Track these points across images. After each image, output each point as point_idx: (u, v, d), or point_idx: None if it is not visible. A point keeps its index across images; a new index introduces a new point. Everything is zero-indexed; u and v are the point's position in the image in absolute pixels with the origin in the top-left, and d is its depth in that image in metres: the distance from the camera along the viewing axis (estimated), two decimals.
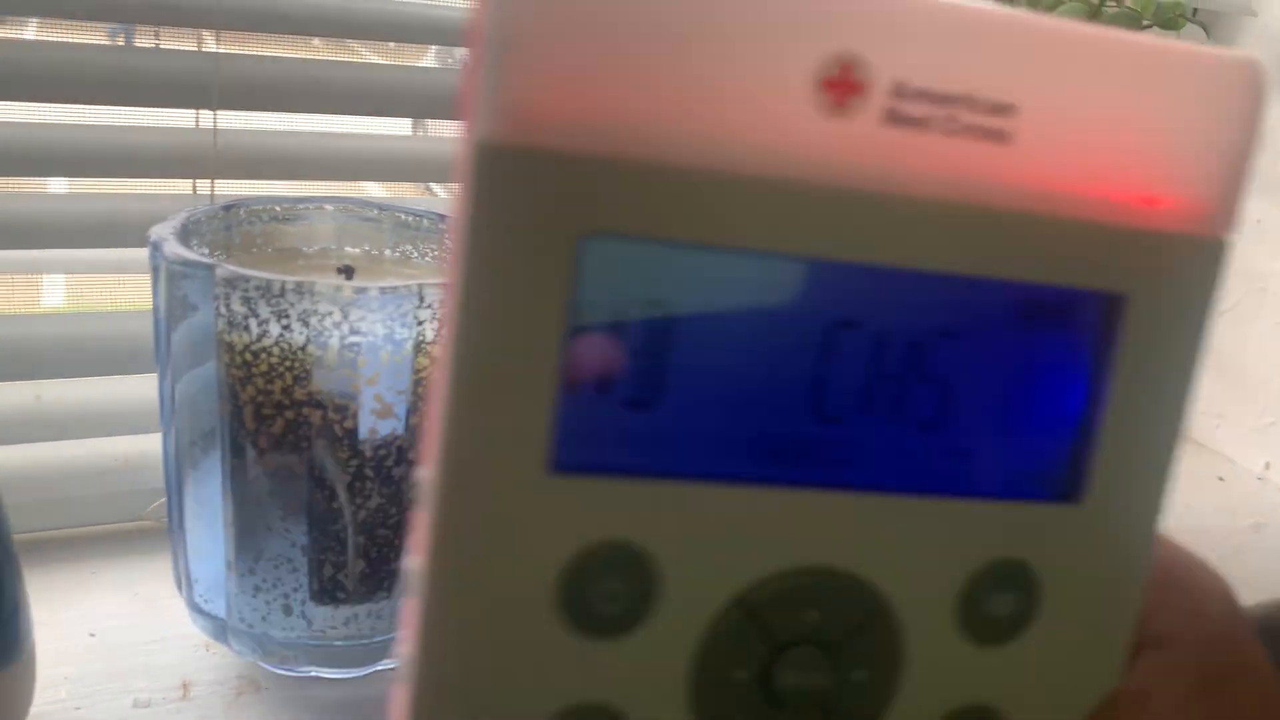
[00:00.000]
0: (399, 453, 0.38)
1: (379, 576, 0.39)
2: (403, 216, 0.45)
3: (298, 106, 0.47)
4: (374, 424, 0.37)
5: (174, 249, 0.36)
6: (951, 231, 0.17)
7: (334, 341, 0.35)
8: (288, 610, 0.39)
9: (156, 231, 0.38)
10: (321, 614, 0.39)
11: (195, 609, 0.41)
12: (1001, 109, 0.16)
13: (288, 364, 0.36)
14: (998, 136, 0.16)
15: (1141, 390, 0.18)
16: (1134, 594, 0.19)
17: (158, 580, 0.46)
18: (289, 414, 0.36)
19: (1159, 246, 0.18)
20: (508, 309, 0.15)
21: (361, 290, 0.35)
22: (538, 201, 0.15)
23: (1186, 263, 0.18)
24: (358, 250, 0.45)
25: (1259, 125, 0.18)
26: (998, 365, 0.18)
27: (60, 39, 0.45)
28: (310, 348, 0.35)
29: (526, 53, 0.15)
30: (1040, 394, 0.18)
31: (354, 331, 0.35)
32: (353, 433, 0.37)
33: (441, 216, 0.44)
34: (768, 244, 0.16)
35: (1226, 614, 0.21)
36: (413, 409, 0.37)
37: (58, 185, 0.47)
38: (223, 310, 0.35)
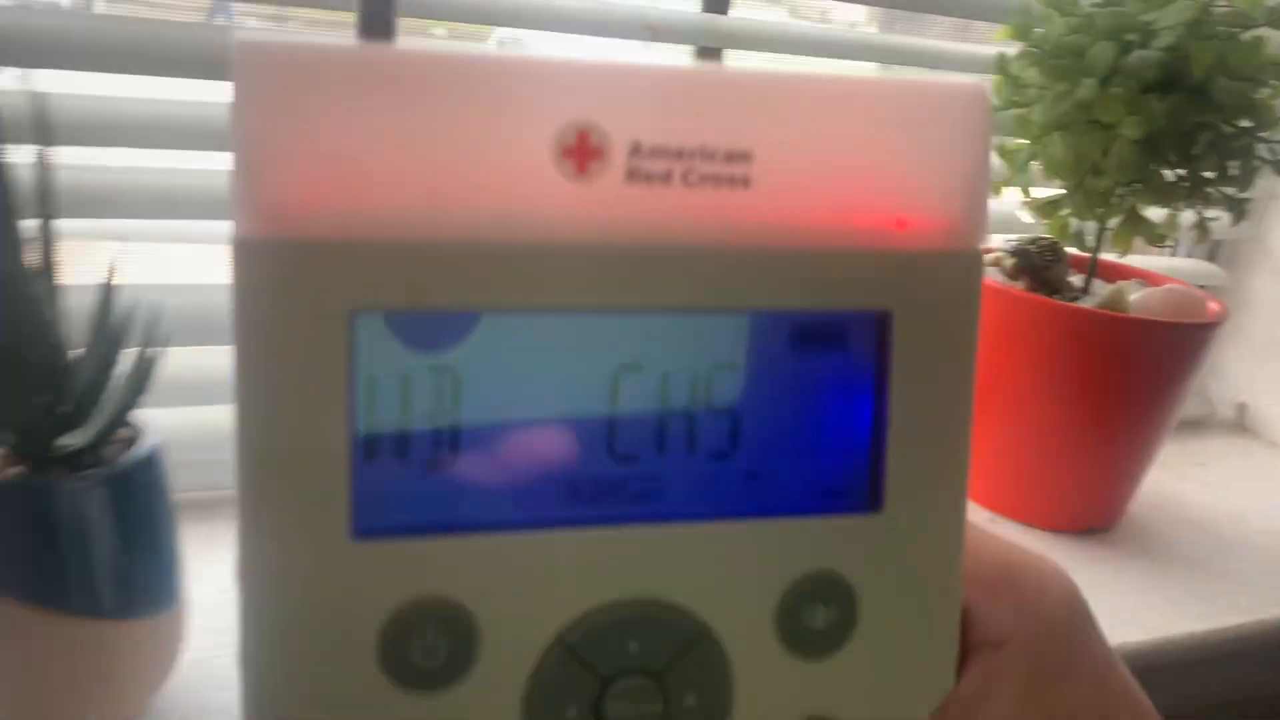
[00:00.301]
0: None
1: None
2: None
3: None
4: None
5: None
6: (711, 272, 0.18)
7: None
8: None
9: None
10: None
11: None
12: (737, 156, 0.18)
13: None
14: (738, 182, 0.18)
15: (922, 400, 0.19)
16: (951, 597, 0.20)
17: None
18: None
19: (913, 264, 0.19)
20: (292, 391, 0.16)
21: None
22: (306, 288, 0.16)
23: (942, 276, 0.19)
24: None
25: (989, 143, 0.19)
26: (781, 391, 0.19)
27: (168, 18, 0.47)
28: None
29: (274, 153, 0.16)
30: (827, 413, 0.19)
31: None
32: None
33: None
34: (536, 303, 0.17)
35: (1061, 610, 0.22)
36: None
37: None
38: None
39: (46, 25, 0.44)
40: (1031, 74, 0.54)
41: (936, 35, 0.67)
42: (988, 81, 0.19)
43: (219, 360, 0.52)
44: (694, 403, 0.19)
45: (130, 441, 0.35)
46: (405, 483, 0.17)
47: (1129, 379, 0.57)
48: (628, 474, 0.18)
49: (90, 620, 0.33)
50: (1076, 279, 0.61)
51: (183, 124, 0.47)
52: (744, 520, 0.19)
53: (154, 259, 0.57)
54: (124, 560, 0.33)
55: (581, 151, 0.17)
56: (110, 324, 0.35)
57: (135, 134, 0.47)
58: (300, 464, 0.16)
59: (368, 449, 0.17)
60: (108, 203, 0.46)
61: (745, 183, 0.18)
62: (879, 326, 0.19)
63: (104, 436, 0.34)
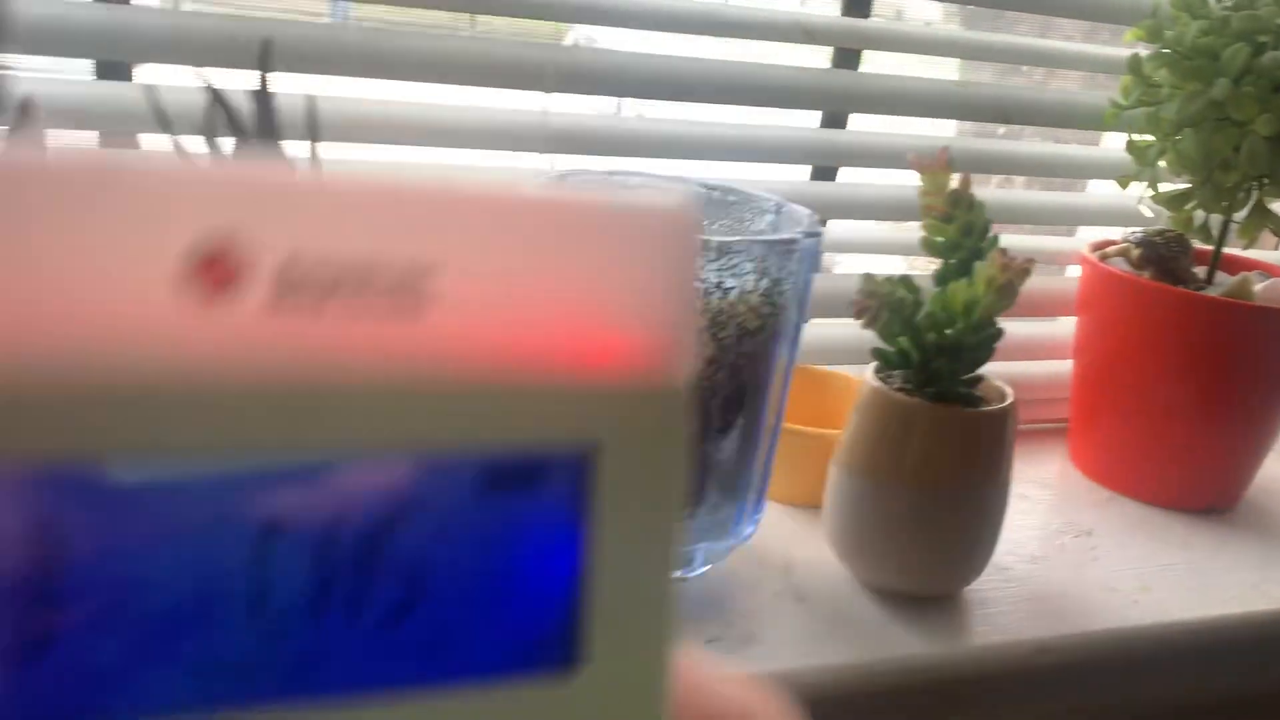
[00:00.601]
0: (712, 388, 0.44)
1: (688, 495, 0.45)
2: (700, 189, 0.51)
3: (624, 92, 0.54)
4: (699, 361, 0.43)
5: None
6: (375, 410, 0.16)
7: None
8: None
9: None
10: None
11: None
12: (410, 276, 0.16)
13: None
14: (409, 308, 0.15)
15: (623, 545, 0.17)
16: None
17: None
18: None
19: (613, 398, 0.17)
20: None
21: (703, 243, 0.41)
22: None
23: (645, 409, 0.17)
24: None
25: (694, 270, 0.18)
26: (468, 544, 0.17)
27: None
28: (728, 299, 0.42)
29: None
30: (517, 565, 0.17)
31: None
32: None
33: (732, 190, 0.50)
34: (155, 453, 0.15)
35: None
36: (727, 350, 0.43)
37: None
38: None
39: (321, 36, 0.50)
40: (1163, 74, 0.57)
41: (1022, 32, 0.70)
42: (690, 206, 0.17)
43: None
44: (360, 561, 0.16)
45: None
46: None
47: (1251, 365, 0.59)
48: (278, 649, 0.16)
49: None
50: (1200, 271, 0.64)
51: (429, 122, 0.53)
52: (420, 692, 0.17)
53: None
54: None
55: (215, 270, 0.14)
56: None
57: (385, 132, 0.53)
58: None
59: None
60: None
61: (418, 308, 0.16)
62: (575, 466, 0.17)
63: None
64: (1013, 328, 0.73)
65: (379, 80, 0.51)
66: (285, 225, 0.14)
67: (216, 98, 0.35)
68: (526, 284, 0.16)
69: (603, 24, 0.55)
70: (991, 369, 0.50)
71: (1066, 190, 0.82)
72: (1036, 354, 0.73)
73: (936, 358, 0.47)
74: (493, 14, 0.55)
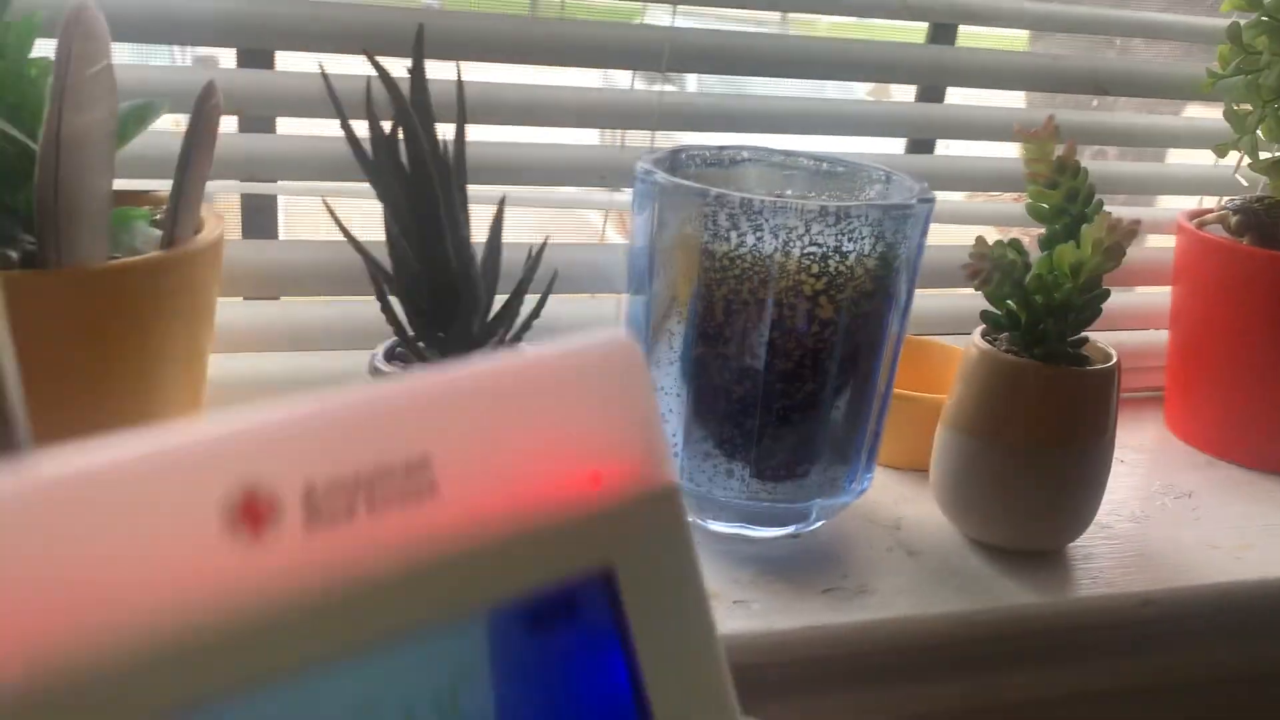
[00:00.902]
0: (829, 348, 0.46)
1: (803, 452, 0.48)
2: (804, 161, 0.53)
3: (736, 70, 0.57)
4: (815, 323, 0.45)
5: (667, 177, 0.46)
6: (417, 590, 0.17)
7: (796, 251, 0.44)
8: (729, 474, 0.48)
9: (641, 165, 0.48)
10: (754, 482, 0.48)
11: None
12: (416, 466, 0.17)
13: (757, 268, 0.44)
14: (423, 492, 0.17)
15: (669, 643, 0.19)
16: None
17: None
18: (750, 310, 0.45)
19: (619, 513, 0.19)
20: None
21: (823, 207, 0.44)
22: None
23: (648, 515, 0.19)
24: (765, 192, 0.53)
25: (649, 386, 0.20)
26: (532, 682, 0.18)
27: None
28: (776, 255, 0.44)
29: None
30: (584, 689, 0.19)
31: (813, 243, 0.44)
32: (800, 329, 0.45)
33: (841, 161, 0.53)
34: (241, 687, 0.16)
35: None
36: (843, 311, 0.46)
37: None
38: (709, 225, 0.44)
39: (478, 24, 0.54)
40: (1262, 41, 0.58)
41: (1158, 7, 0.71)
42: (627, 334, 0.20)
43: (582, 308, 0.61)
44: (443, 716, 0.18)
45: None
46: None
47: None
48: None
49: None
50: None
51: (560, 104, 0.56)
52: None
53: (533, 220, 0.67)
54: None
55: (251, 513, 0.16)
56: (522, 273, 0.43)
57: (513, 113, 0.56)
58: None
59: None
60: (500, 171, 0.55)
61: (431, 490, 0.17)
62: (604, 584, 0.19)
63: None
64: (1112, 298, 0.74)
65: (489, 64, 0.54)
66: (294, 462, 0.16)
67: (385, 80, 0.38)
68: (509, 445, 0.18)
69: (695, 3, 0.58)
70: (1090, 335, 0.51)
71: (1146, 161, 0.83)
72: (1130, 324, 0.74)
73: (1044, 319, 0.49)
74: None
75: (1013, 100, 0.81)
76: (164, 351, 0.41)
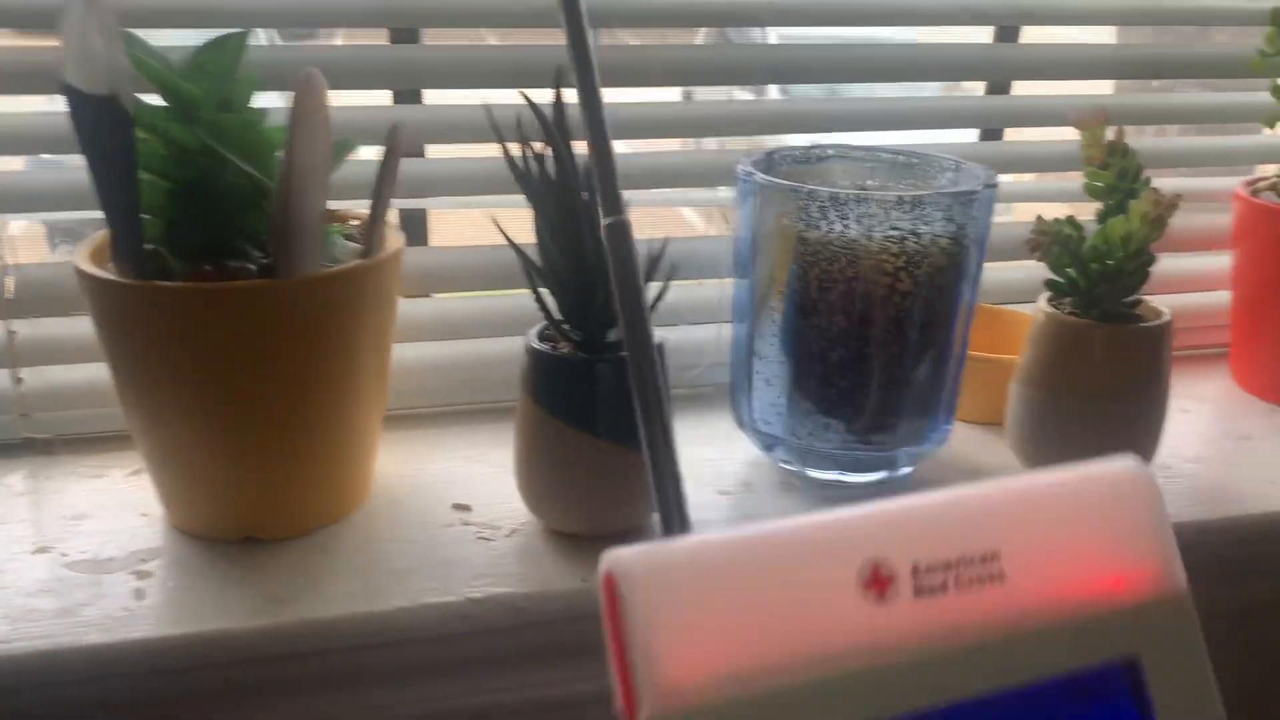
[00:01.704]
0: (909, 316, 0.54)
1: (890, 407, 0.56)
2: (883, 155, 0.61)
3: (817, 79, 0.65)
4: (896, 295, 0.53)
5: (764, 177, 0.54)
6: (991, 660, 0.22)
7: (878, 234, 0.52)
8: (827, 428, 0.56)
9: (742, 167, 0.56)
10: (849, 434, 0.56)
11: (754, 430, 0.59)
12: (990, 557, 0.22)
13: (844, 251, 0.52)
14: (995, 578, 0.22)
15: None
16: None
17: (707, 424, 0.66)
18: (841, 286, 0.53)
19: (1140, 613, 0.23)
20: None
21: (899, 198, 0.51)
22: None
23: (1165, 618, 0.23)
24: (848, 183, 0.61)
25: (1162, 505, 0.24)
26: None
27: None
28: (861, 239, 0.52)
29: (664, 639, 0.20)
30: None
31: (892, 228, 0.52)
32: (884, 300, 0.53)
33: (915, 154, 0.60)
34: (867, 717, 0.21)
35: None
36: (920, 284, 0.53)
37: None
38: (803, 215, 0.53)
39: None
40: None
41: None
42: (1143, 465, 0.25)
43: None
44: None
45: None
46: None
47: None
48: None
49: (614, 445, 0.50)
50: None
51: (667, 118, 0.65)
52: None
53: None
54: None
55: (878, 581, 0.21)
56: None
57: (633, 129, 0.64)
58: None
59: None
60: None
61: (1000, 577, 0.22)
62: (1131, 671, 0.23)
63: None
64: (1178, 264, 0.80)
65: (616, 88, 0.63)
66: (908, 546, 0.22)
67: (534, 109, 0.47)
68: (1058, 548, 0.23)
69: (798, 24, 0.66)
70: (1160, 300, 0.58)
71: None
72: (1198, 286, 0.80)
73: (1100, 284, 0.56)
74: (696, 25, 0.66)
75: (1099, 88, 0.87)
76: (362, 343, 0.51)
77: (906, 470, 0.60)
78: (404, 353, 0.66)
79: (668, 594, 0.20)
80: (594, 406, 0.50)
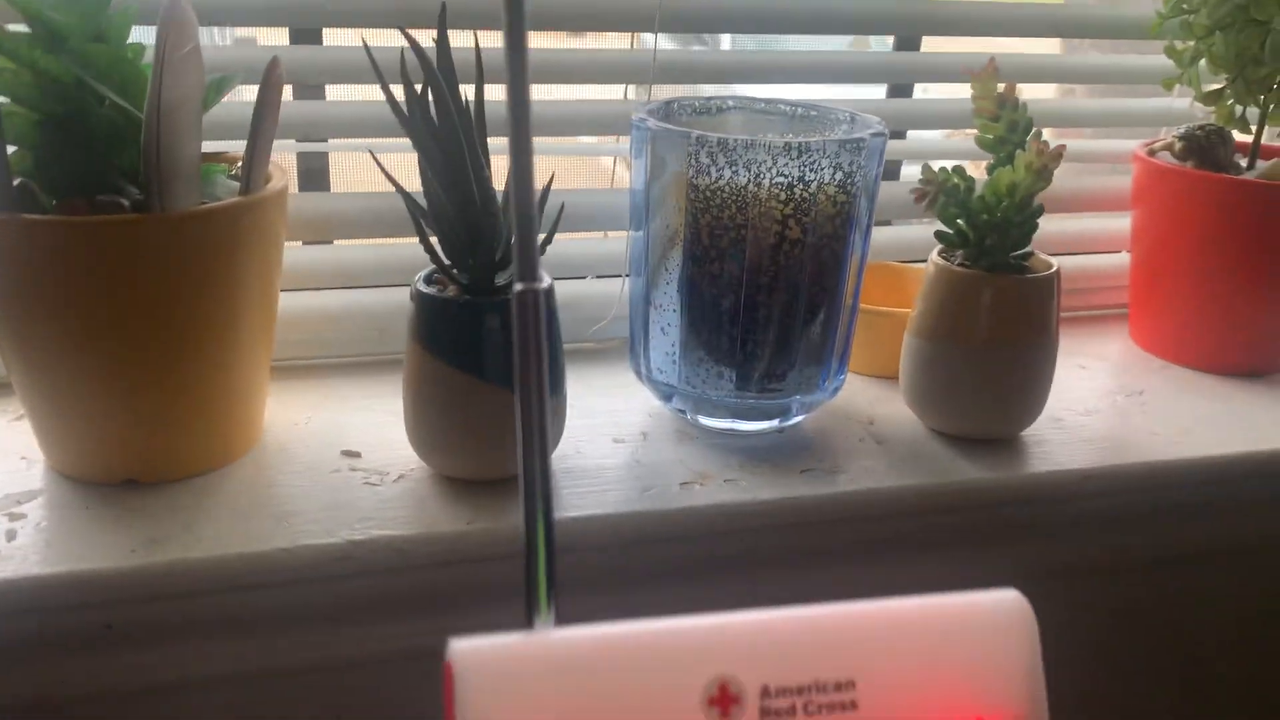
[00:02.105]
0: (799, 264, 0.54)
1: (782, 355, 0.56)
2: (781, 107, 0.61)
3: (721, 29, 0.65)
4: (786, 243, 0.53)
5: (657, 123, 0.54)
6: None
7: (766, 181, 0.52)
8: (720, 376, 0.57)
9: (636, 115, 0.56)
10: (741, 382, 0.56)
11: (650, 380, 0.59)
12: (844, 685, 0.22)
13: (734, 198, 0.53)
14: (847, 707, 0.22)
15: None
16: None
17: (611, 375, 0.66)
18: (731, 234, 0.53)
19: None
20: None
21: (786, 143, 0.52)
22: None
23: None
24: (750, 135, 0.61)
25: (1036, 641, 0.23)
26: None
27: None
28: (749, 186, 0.52)
29: None
30: None
31: (780, 174, 0.52)
32: (774, 248, 0.53)
33: (813, 106, 0.60)
34: None
35: None
36: (809, 232, 0.54)
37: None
38: (693, 162, 0.53)
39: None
40: None
41: None
42: (1020, 597, 0.23)
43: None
44: None
45: None
46: None
47: None
48: None
49: (500, 389, 0.50)
50: (1241, 161, 0.71)
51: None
52: None
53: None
54: None
55: (724, 699, 0.21)
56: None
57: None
58: None
59: None
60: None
61: (853, 706, 0.21)
62: None
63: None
64: (1078, 224, 0.81)
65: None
66: (761, 666, 0.21)
67: (415, 50, 0.47)
68: (914, 681, 0.22)
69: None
70: (1064, 260, 0.59)
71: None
72: (1102, 248, 0.81)
73: (989, 235, 0.56)
74: None
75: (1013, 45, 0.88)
76: (244, 284, 0.50)
77: (799, 418, 0.60)
78: (302, 301, 0.65)
79: (504, 692, 0.20)
80: (480, 350, 0.50)
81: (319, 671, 0.52)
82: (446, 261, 0.52)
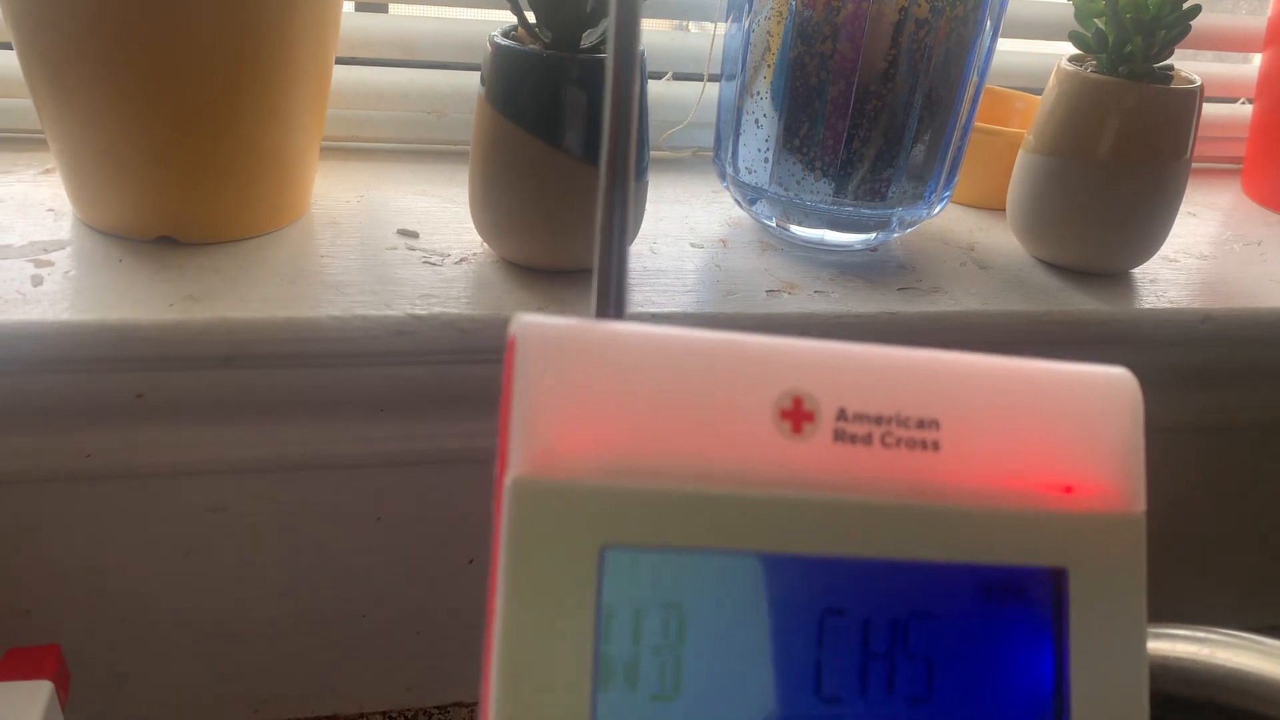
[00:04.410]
0: (922, 50, 0.48)
1: (887, 158, 0.50)
2: None
3: None
4: (911, 21, 0.47)
5: None
6: (906, 525, 0.20)
7: None
8: (818, 178, 0.51)
9: None
10: (841, 188, 0.51)
11: (737, 181, 0.54)
12: (927, 424, 0.20)
13: None
14: (928, 445, 0.20)
15: (1099, 659, 0.21)
16: None
17: (685, 185, 0.60)
18: (850, 6, 0.47)
19: (1082, 525, 0.21)
20: (545, 615, 0.18)
21: None
22: (565, 523, 0.18)
23: (1108, 536, 0.21)
24: None
25: (1140, 419, 0.22)
26: (971, 641, 0.20)
27: None
28: None
29: (547, 408, 0.18)
30: (1013, 668, 0.21)
31: None
32: (897, 25, 0.47)
33: None
34: (755, 546, 0.19)
35: None
36: (937, 13, 0.47)
37: None
38: None
39: None
40: None
41: None
42: (1130, 375, 0.22)
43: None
44: (892, 648, 0.20)
45: None
46: (637, 715, 0.19)
47: None
48: (832, 715, 0.20)
49: (582, 164, 0.44)
50: None
51: None
52: None
53: None
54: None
55: (797, 414, 0.20)
56: None
57: None
58: (549, 687, 0.18)
59: (605, 678, 0.18)
60: None
61: (934, 446, 0.20)
62: (1055, 582, 0.21)
63: (605, 41, 0.45)
64: (1198, 67, 0.74)
65: None
66: (839, 388, 0.20)
67: None
68: (1005, 434, 0.21)
69: None
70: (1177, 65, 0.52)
71: None
72: (1217, 93, 0.75)
73: (1133, 37, 0.50)
74: None
75: None
76: (297, 31, 0.45)
77: (895, 235, 0.55)
78: (354, 75, 0.59)
79: (564, 366, 0.19)
80: (560, 115, 0.44)
81: (361, 469, 0.48)
82: (528, 14, 0.46)
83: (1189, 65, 0.73)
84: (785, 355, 0.20)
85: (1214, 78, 0.74)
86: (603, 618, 0.18)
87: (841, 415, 0.20)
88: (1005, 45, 0.74)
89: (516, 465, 0.18)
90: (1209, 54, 0.81)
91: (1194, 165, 0.72)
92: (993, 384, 0.21)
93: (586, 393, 0.19)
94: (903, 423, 0.20)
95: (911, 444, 0.20)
